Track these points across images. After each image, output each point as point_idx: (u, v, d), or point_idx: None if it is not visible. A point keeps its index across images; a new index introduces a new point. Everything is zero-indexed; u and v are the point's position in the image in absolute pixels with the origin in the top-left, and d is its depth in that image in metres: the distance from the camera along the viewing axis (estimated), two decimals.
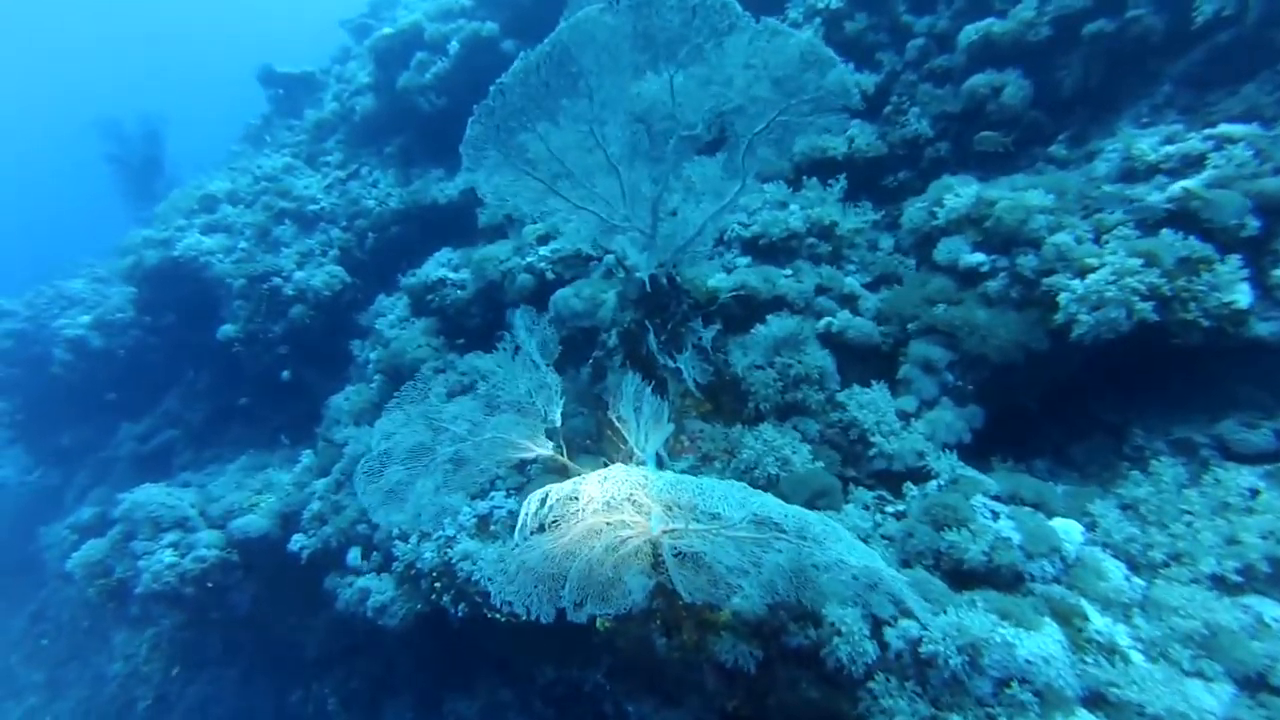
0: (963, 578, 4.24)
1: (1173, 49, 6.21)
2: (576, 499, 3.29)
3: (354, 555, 7.63)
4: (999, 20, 6.96)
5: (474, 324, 8.60)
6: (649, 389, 5.03)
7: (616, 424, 4.78)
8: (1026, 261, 5.39)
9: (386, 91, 12.06)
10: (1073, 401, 5.80)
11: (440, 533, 6.28)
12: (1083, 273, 5.01)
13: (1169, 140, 5.38)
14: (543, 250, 8.02)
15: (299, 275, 11.13)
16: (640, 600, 4.32)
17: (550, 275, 7.81)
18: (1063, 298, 4.98)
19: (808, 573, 3.83)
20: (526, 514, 3.29)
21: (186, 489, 9.56)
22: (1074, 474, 5.52)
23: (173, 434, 13.63)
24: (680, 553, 4.07)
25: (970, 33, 7.09)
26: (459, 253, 9.74)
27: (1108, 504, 4.36)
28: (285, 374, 11.12)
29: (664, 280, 5.55)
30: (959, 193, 5.96)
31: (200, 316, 12.25)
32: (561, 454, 4.15)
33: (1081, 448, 5.61)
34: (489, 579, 3.58)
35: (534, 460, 4.15)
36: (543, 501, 3.31)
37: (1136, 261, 4.68)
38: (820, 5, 8.43)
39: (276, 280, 11.14)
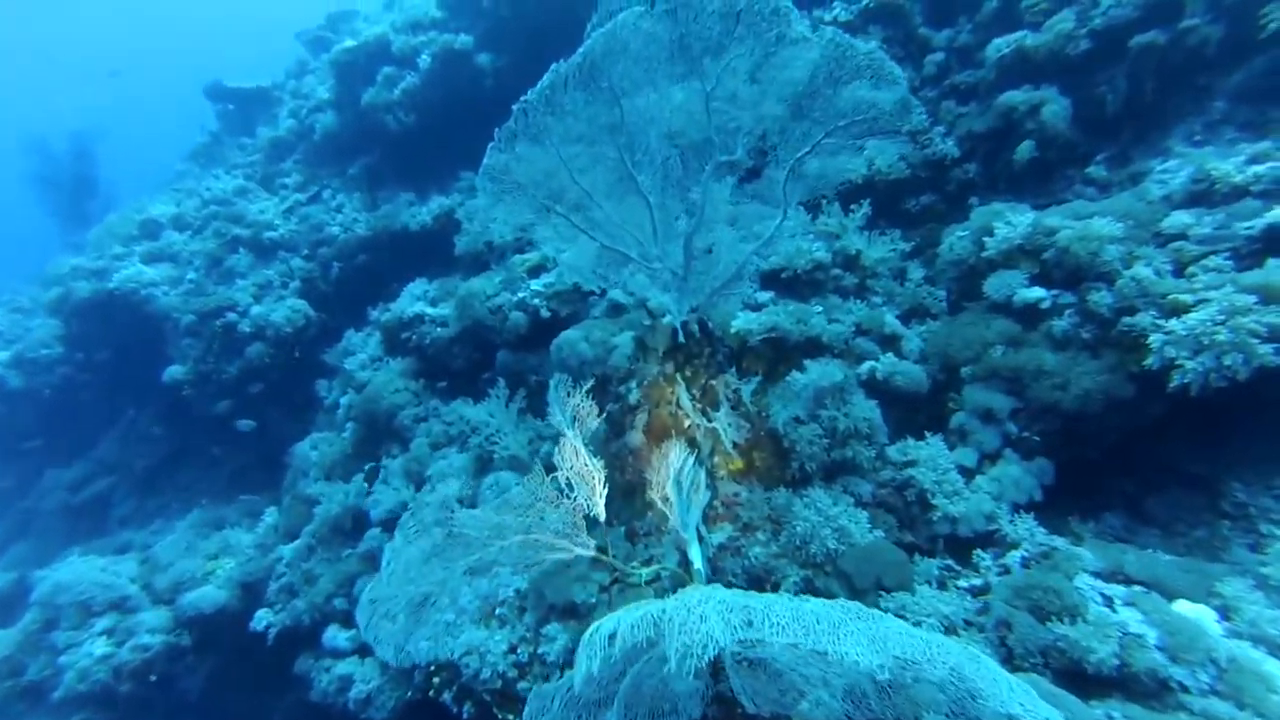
0: (1084, 681, 3.58)
1: (1227, 62, 5.78)
2: (655, 637, 2.52)
3: (331, 634, 6.65)
4: (1033, 33, 6.48)
5: (458, 365, 7.73)
6: (692, 459, 4.29)
7: (659, 504, 4.02)
8: (1101, 298, 4.82)
9: (350, 108, 11.14)
10: (1141, 447, 5.25)
11: (438, 616, 5.40)
12: (1175, 311, 4.46)
13: (1255, 159, 4.88)
14: (535, 284, 7.22)
15: (256, 310, 10.08)
16: (696, 716, 3.60)
17: (545, 313, 7.01)
18: (1154, 340, 4.41)
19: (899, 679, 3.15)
20: (593, 660, 2.50)
21: (126, 557, 8.38)
22: (1155, 531, 4.95)
23: (110, 481, 12.32)
24: (746, 659, 3.37)
25: (1000, 46, 6.60)
26: (436, 284, 8.88)
27: (1242, 583, 3.76)
28: (246, 424, 9.95)
29: (695, 327, 4.83)
30: (1011, 221, 5.39)
31: (142, 352, 11.07)
32: (606, 553, 3.37)
33: (1160, 501, 5.05)
34: None
35: (572, 560, 3.34)
36: (611, 640, 2.53)
37: (1249, 298, 4.12)
38: (828, 18, 7.89)
39: (231, 316, 10.06)
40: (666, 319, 4.78)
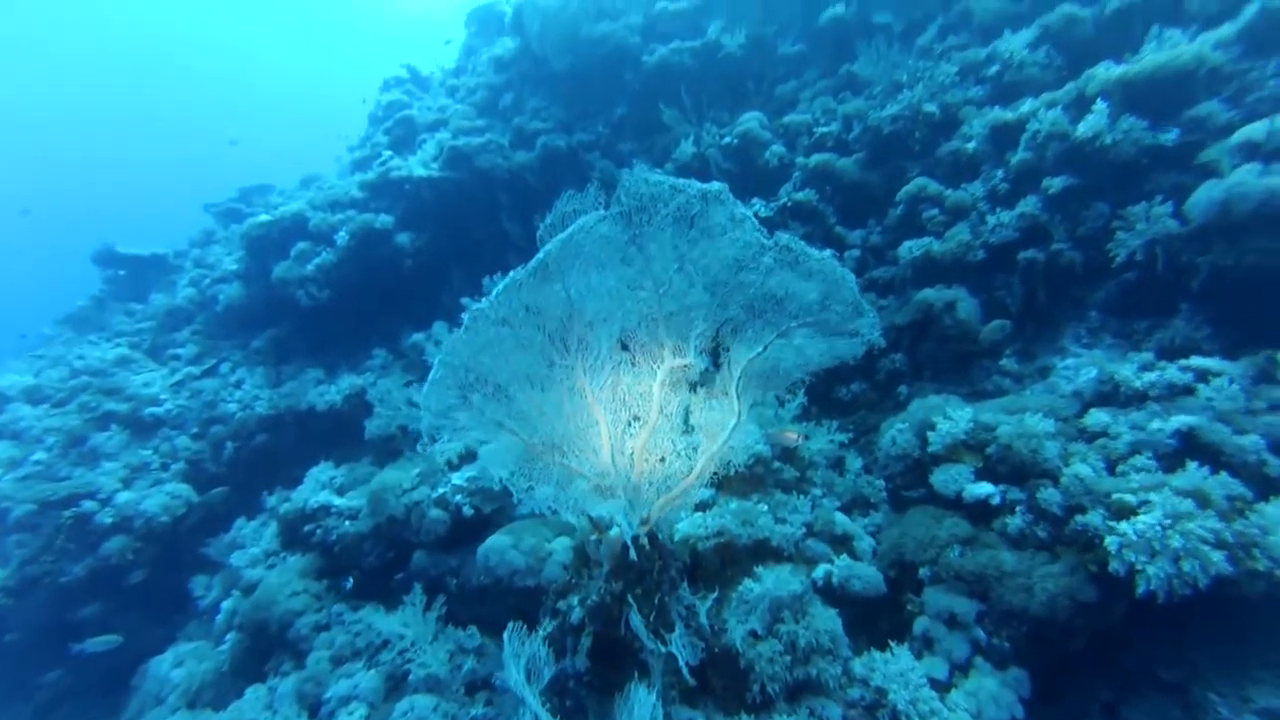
0: None
1: (1093, 279, 6.45)
2: None
3: None
4: (937, 240, 7.06)
5: (369, 563, 6.80)
6: (652, 697, 3.71)
7: None
8: (1050, 496, 4.82)
9: (259, 280, 10.69)
10: (1110, 647, 5.07)
11: None
12: (1121, 512, 4.47)
13: (1146, 368, 5.28)
14: (456, 478, 6.61)
15: (125, 497, 8.77)
16: None
17: (468, 510, 6.37)
18: (1110, 543, 4.35)
19: None
20: None
21: None
22: None
23: None
24: None
25: (912, 248, 7.14)
26: (343, 469, 8.08)
27: None
28: (103, 641, 8.10)
29: (645, 541, 4.40)
30: (952, 416, 5.47)
31: None
32: None
33: (1138, 710, 4.79)
34: None
35: None
36: None
37: (1188, 503, 4.19)
38: (749, 213, 8.40)
39: (88, 505, 8.68)
40: (614, 531, 4.34)
